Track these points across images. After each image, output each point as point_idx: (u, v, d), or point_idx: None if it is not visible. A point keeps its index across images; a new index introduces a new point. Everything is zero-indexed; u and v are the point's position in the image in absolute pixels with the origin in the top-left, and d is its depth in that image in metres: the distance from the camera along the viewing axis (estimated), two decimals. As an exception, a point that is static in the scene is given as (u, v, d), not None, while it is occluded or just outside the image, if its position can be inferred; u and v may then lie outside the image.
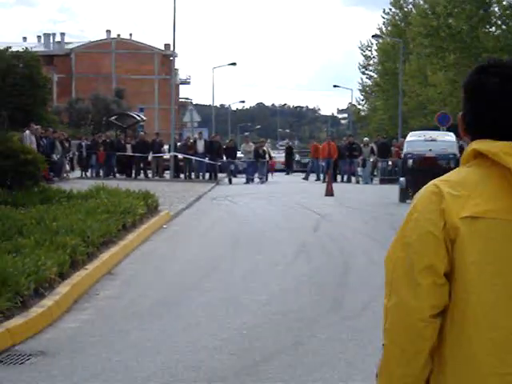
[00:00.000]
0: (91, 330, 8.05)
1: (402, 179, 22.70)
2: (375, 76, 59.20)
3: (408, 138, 24.00)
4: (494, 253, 2.13)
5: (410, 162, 22.49)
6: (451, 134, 24.43)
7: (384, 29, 55.51)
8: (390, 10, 55.15)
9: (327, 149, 34.09)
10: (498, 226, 2.14)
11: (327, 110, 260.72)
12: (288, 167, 43.86)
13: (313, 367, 6.54)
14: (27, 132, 25.63)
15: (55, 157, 28.02)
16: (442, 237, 2.15)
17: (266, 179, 34.77)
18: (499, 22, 39.81)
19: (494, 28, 40.23)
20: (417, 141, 23.22)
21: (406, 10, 54.14)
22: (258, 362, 6.71)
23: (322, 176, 34.98)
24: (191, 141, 34.65)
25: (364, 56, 59.21)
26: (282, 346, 7.15)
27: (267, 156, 35.75)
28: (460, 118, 2.31)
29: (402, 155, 23.77)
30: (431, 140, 23.07)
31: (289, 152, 44.65)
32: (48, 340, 7.63)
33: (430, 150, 22.50)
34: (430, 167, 21.03)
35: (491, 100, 2.22)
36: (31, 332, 7.76)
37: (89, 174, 34.37)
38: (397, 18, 55.04)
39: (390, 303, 2.19)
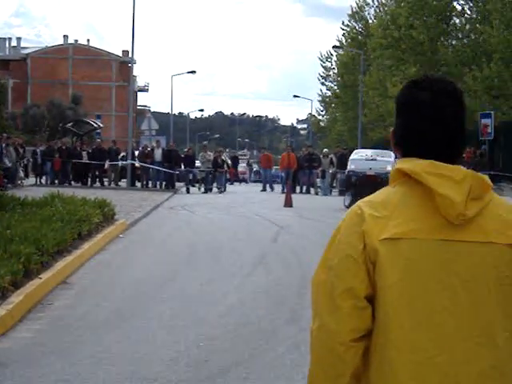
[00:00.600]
0: (45, 340, 7.90)
1: (347, 195, 25.05)
2: (335, 88, 59.59)
3: (352, 156, 26.73)
4: (414, 274, 2.11)
5: (354, 178, 25.05)
6: (391, 153, 25.42)
7: (344, 40, 55.91)
8: (350, 21, 55.57)
9: (286, 159, 34.16)
10: (418, 247, 2.12)
11: (287, 120, 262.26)
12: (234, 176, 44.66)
13: (270, 380, 6.49)
14: (-19, 138, 25.23)
15: (8, 163, 27.59)
16: (362, 259, 2.14)
17: (225, 189, 34.71)
18: (460, 35, 40.39)
19: (454, 41, 40.77)
20: (359, 159, 25.92)
21: (365, 22, 54.59)
22: (214, 374, 6.64)
23: (274, 187, 35.57)
24: (149, 149, 34.46)
25: (323, 67, 59.58)
26: (239, 359, 7.09)
27: (225, 165, 35.71)
28: (391, 133, 2.31)
29: (346, 172, 26.19)
30: (372, 159, 25.65)
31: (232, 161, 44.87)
32: (1, 350, 7.46)
33: (370, 168, 24.95)
34: (371, 183, 22.62)
35: (422, 114, 2.21)
36: (-17, 342, 7.60)
37: (43, 181, 33.96)
38: (355, 30, 55.48)
39: (314, 326, 2.19)
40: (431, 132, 2.20)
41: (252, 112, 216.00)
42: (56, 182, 33.19)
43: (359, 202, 2.24)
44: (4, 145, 28.52)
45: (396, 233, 2.12)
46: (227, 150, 39.70)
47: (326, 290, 2.18)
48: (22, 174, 31.49)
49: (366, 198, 2.24)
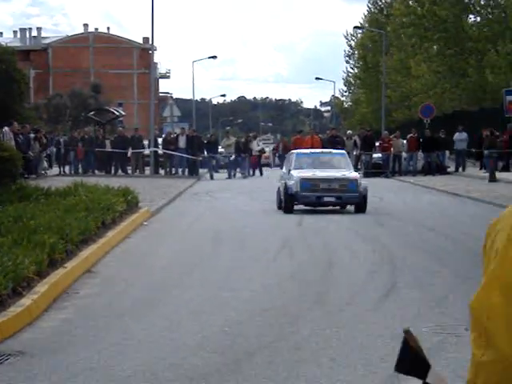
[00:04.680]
0: (71, 329, 7.92)
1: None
2: (357, 70, 59.29)
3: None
4: None
5: None
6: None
7: (365, 21, 55.57)
8: (375, 2, 55.18)
9: (310, 142, 34.03)
10: None
11: (310, 103, 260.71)
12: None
13: (295, 364, 6.45)
14: (6, 129, 25.35)
15: (31, 153, 27.73)
16: None
17: (249, 174, 34.62)
18: (482, 11, 39.89)
19: (478, 18, 40.26)
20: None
21: (386, 2, 54.17)
22: (240, 359, 6.61)
23: None
24: (172, 136, 34.45)
25: (349, 45, 59.23)
26: (264, 343, 7.06)
27: (255, 150, 35.41)
28: None
29: None
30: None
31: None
32: (27, 340, 7.49)
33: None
34: None
35: None
36: (10, 332, 7.62)
37: (67, 170, 34.08)
38: (378, 8, 55.08)
39: (486, 358, 1.79)
40: None
41: (274, 96, 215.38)
42: (80, 171, 33.32)
43: None
44: (32, 136, 28.71)
45: None
46: (250, 135, 39.35)
47: (507, 318, 1.75)
48: (45, 164, 31.65)
49: None
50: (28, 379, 6.31)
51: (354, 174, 18.88)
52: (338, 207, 18.81)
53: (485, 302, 1.80)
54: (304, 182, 18.03)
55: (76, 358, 6.77)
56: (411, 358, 1.95)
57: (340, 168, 19.08)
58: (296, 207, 18.26)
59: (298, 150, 21.65)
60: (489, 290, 1.79)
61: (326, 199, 18.33)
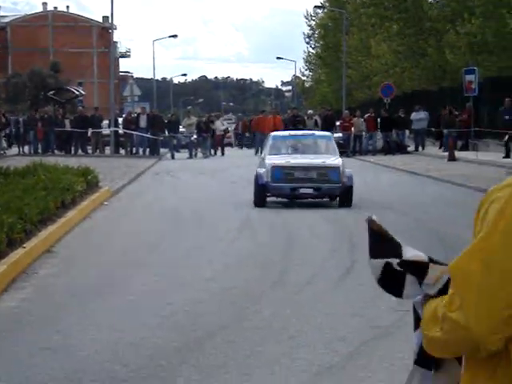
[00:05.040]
0: (31, 308, 7.86)
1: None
2: (318, 50, 59.31)
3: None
4: None
5: None
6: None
7: (325, 1, 55.50)
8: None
9: (272, 122, 34.02)
10: None
11: (271, 82, 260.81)
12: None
13: (256, 342, 6.48)
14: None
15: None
16: None
17: (210, 154, 34.54)
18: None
19: None
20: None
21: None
22: (200, 338, 6.62)
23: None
24: (133, 115, 34.24)
25: (309, 26, 59.16)
26: (225, 322, 7.07)
27: (219, 130, 35.40)
28: None
29: None
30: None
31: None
32: (-15, 321, 7.42)
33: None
34: None
35: None
36: (-33, 313, 7.55)
37: (26, 150, 33.69)
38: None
39: (454, 315, 1.80)
40: None
41: (236, 75, 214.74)
42: (39, 151, 32.95)
43: None
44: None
45: None
46: (213, 115, 39.25)
47: (479, 288, 1.76)
48: (4, 143, 31.21)
49: None
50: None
51: (336, 161, 15.86)
52: (319, 199, 16.07)
53: (464, 268, 1.81)
54: (276, 170, 15.40)
55: (35, 338, 6.72)
56: (381, 242, 2.02)
57: (322, 153, 16.45)
58: (269, 199, 15.80)
59: (276, 133, 18.65)
60: (470, 258, 1.80)
61: (303, 191, 15.57)
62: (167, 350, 6.30)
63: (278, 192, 15.69)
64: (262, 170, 15.56)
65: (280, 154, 16.32)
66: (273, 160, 15.79)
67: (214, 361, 6.05)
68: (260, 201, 15.42)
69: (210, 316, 7.30)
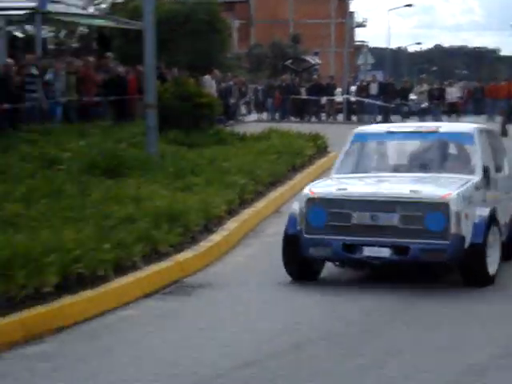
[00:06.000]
0: (255, 264, 8.36)
1: None
2: None
3: None
4: None
5: None
6: None
7: None
8: None
9: (507, 89, 32.78)
10: None
11: (508, 50, 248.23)
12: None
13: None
14: (207, 77, 26.36)
15: (231, 101, 28.71)
16: None
17: (441, 120, 33.87)
18: None
19: None
20: None
21: None
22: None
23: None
24: (364, 83, 34.44)
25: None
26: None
27: (453, 97, 34.74)
28: None
29: None
30: None
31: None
32: (215, 273, 7.99)
33: None
34: None
35: None
36: (200, 265, 8.14)
37: (265, 117, 34.96)
38: None
39: None
40: None
41: (471, 44, 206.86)
42: (276, 117, 34.09)
43: None
44: (231, 83, 29.73)
45: None
46: (445, 82, 38.36)
47: None
48: (243, 110, 32.63)
49: None
50: (209, 305, 6.88)
51: (446, 191, 7.41)
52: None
53: None
54: (315, 207, 7.62)
55: (258, 292, 7.24)
56: None
57: (440, 171, 8.17)
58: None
59: (364, 128, 9.51)
60: None
61: (369, 252, 7.40)
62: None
63: (318, 253, 7.60)
64: (294, 207, 8.05)
65: (356, 171, 8.55)
66: (321, 186, 8.10)
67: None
68: (295, 268, 7.80)
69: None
